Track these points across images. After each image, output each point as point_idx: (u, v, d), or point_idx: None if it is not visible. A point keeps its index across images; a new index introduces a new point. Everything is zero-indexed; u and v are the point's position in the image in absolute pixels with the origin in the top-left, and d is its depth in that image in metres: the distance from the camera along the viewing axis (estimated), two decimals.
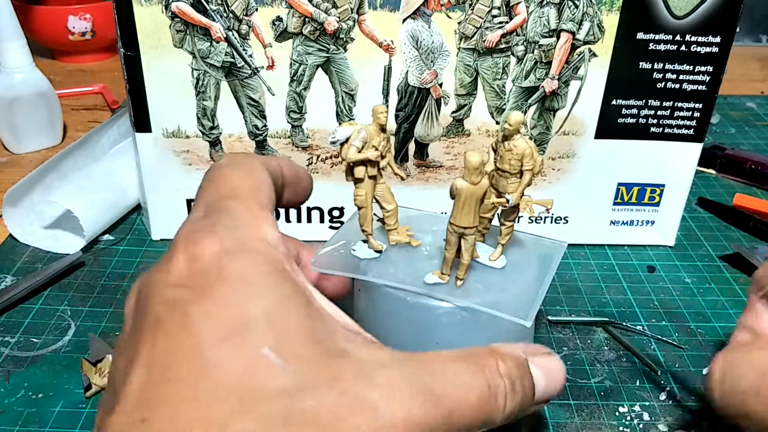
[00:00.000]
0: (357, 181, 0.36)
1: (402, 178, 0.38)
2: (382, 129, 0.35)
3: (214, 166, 0.31)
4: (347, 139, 0.35)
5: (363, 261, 0.37)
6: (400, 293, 0.35)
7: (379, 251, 0.37)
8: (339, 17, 0.47)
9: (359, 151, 0.35)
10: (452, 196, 0.33)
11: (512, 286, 0.36)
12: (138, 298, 0.26)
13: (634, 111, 0.50)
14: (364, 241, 0.38)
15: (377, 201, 0.37)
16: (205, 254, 0.25)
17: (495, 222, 0.38)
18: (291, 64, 0.49)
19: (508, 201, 0.35)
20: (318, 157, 0.52)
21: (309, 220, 0.54)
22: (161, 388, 0.23)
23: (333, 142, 0.35)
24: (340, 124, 0.36)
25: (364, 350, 0.25)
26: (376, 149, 0.35)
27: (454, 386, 0.26)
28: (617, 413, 0.40)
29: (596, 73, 0.49)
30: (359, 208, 0.36)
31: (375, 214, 0.37)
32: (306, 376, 0.23)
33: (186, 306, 0.24)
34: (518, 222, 0.53)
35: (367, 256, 0.37)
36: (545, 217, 0.54)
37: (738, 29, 0.47)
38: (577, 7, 0.46)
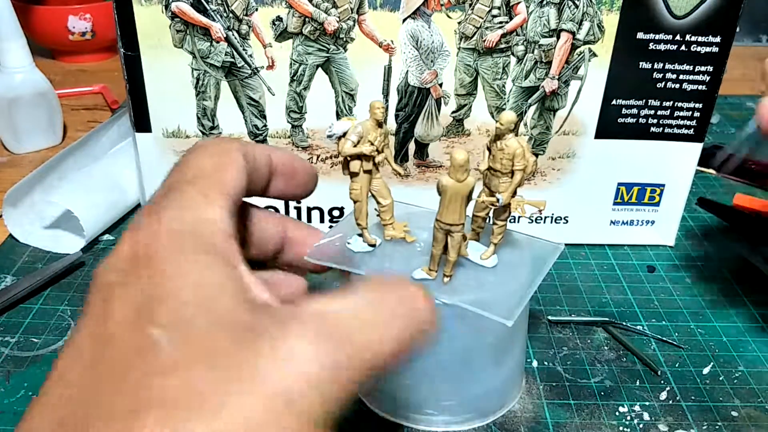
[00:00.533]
0: (352, 175, 0.36)
1: (400, 174, 0.39)
2: (379, 124, 0.35)
3: (189, 149, 0.31)
4: (345, 133, 0.35)
5: (357, 254, 0.37)
6: None
7: (373, 245, 0.38)
8: (339, 17, 0.47)
9: (354, 146, 0.35)
10: (438, 192, 0.33)
11: (501, 285, 0.36)
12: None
13: (634, 111, 0.50)
14: (360, 235, 0.38)
15: (373, 196, 0.37)
16: (143, 236, 0.26)
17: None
18: (291, 64, 0.49)
19: (498, 200, 0.35)
20: (318, 157, 0.52)
21: (309, 220, 0.54)
22: (74, 374, 0.23)
23: (329, 136, 0.35)
24: (338, 119, 0.36)
25: (277, 314, 0.25)
26: (372, 144, 0.35)
27: (363, 326, 0.25)
28: (617, 413, 0.40)
29: (596, 73, 0.49)
30: (354, 202, 0.37)
31: (375, 209, 0.38)
32: (183, 352, 0.23)
33: (111, 290, 0.25)
34: (518, 222, 0.53)
35: (361, 249, 0.38)
36: (545, 217, 0.54)
37: (738, 29, 0.47)
38: (577, 7, 0.46)
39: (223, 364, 0.23)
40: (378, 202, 0.38)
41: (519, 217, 0.37)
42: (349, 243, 0.38)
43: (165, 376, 0.22)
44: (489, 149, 0.36)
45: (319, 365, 0.23)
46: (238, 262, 0.27)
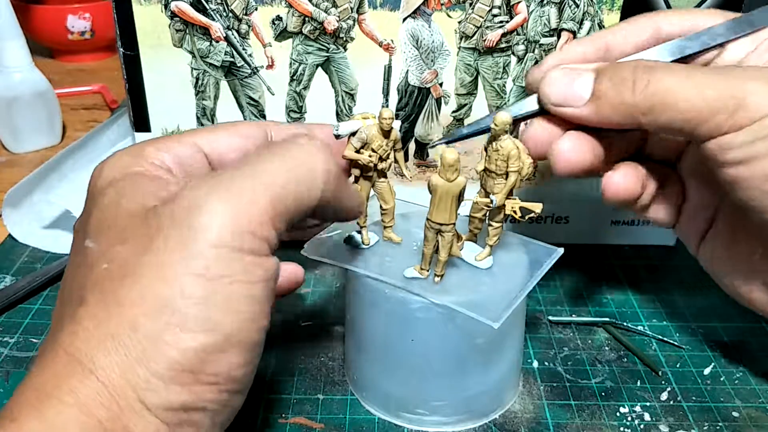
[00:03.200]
0: (354, 178, 0.37)
1: (406, 177, 0.39)
2: (386, 134, 0.35)
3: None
4: (354, 133, 0.35)
5: (353, 251, 0.38)
6: (379, 285, 0.36)
7: (366, 244, 0.38)
8: (339, 16, 0.47)
9: (357, 151, 0.35)
10: (429, 191, 0.34)
11: (494, 287, 0.36)
12: None
13: None
14: (358, 232, 0.39)
15: (376, 197, 0.38)
16: (92, 181, 0.32)
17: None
18: (291, 63, 0.48)
19: (492, 202, 0.35)
20: None
21: None
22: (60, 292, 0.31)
23: (337, 136, 0.36)
24: (348, 119, 0.36)
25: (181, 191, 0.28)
26: (375, 152, 0.35)
27: (256, 168, 0.28)
28: (618, 414, 0.40)
29: None
30: None
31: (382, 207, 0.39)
32: (104, 245, 0.28)
33: (76, 232, 0.31)
34: (518, 222, 0.52)
35: (355, 246, 0.39)
36: (546, 217, 0.54)
37: None
38: (577, 6, 0.46)
39: (131, 236, 0.28)
40: (380, 205, 0.38)
41: (520, 217, 0.36)
42: (345, 240, 0.39)
43: (93, 266, 0.28)
44: (486, 150, 0.36)
45: (216, 209, 0.26)
46: (169, 180, 0.31)
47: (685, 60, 0.37)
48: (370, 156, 0.35)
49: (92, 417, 0.24)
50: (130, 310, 0.25)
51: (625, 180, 0.37)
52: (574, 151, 0.36)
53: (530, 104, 0.37)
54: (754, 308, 0.39)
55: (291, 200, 0.28)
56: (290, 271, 0.35)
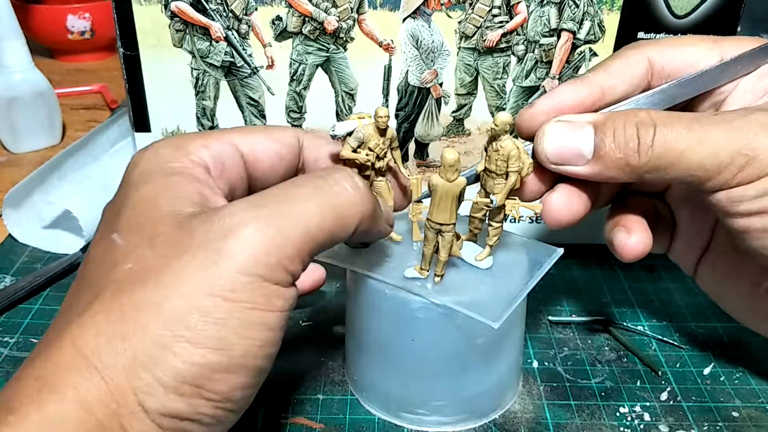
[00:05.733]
0: None
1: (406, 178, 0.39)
2: (382, 132, 0.35)
3: None
4: (350, 133, 0.35)
5: (353, 251, 0.38)
6: (379, 285, 0.36)
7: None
8: (339, 16, 0.47)
9: (354, 151, 0.35)
10: (429, 191, 0.34)
11: (494, 287, 0.36)
12: None
13: None
14: None
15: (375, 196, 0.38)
16: (128, 170, 0.32)
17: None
18: (291, 63, 0.48)
19: (492, 202, 0.35)
20: None
21: None
22: (72, 287, 0.30)
23: (333, 136, 0.35)
24: (338, 119, 0.36)
25: (219, 209, 0.28)
26: (372, 151, 0.35)
27: (296, 205, 0.29)
28: (618, 414, 0.40)
29: None
30: None
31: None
32: (131, 243, 0.28)
33: (102, 216, 0.31)
34: (518, 222, 0.53)
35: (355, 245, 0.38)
36: None
37: (739, 28, 0.47)
38: (577, 6, 0.46)
39: (162, 243, 0.28)
40: None
41: (519, 217, 0.36)
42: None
43: (117, 263, 0.28)
44: (486, 150, 0.36)
45: (252, 238, 0.27)
46: (205, 182, 0.31)
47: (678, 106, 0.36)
48: (367, 155, 0.35)
49: (92, 414, 0.25)
50: (145, 315, 0.26)
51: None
52: (566, 208, 0.36)
53: None
54: (757, 332, 0.39)
55: (324, 238, 0.29)
56: (311, 270, 0.35)
